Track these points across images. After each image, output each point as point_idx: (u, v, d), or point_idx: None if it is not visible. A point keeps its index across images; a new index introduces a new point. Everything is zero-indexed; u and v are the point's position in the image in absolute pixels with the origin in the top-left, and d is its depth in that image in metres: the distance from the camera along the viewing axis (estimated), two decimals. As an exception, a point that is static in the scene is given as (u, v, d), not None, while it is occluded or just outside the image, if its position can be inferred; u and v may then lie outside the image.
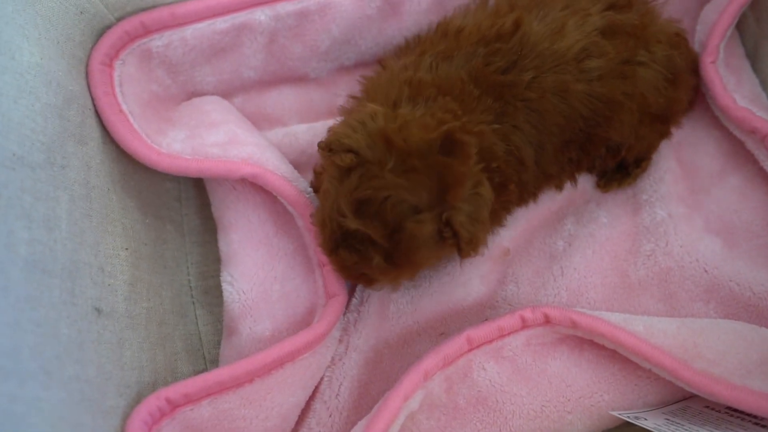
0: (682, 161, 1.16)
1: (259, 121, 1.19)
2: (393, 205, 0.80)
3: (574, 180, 1.12)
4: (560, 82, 0.95)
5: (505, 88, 0.94)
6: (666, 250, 1.09)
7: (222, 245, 1.06)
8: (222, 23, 1.09)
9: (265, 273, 1.03)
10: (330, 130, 0.90)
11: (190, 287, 1.11)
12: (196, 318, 1.10)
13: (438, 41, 1.00)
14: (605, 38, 0.97)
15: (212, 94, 1.18)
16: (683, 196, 1.13)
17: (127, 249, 0.97)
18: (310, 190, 1.04)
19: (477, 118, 0.91)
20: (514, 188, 0.97)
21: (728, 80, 1.13)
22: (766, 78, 1.16)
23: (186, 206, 1.17)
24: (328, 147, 0.87)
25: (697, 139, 1.17)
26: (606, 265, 1.09)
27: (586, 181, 1.16)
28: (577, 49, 0.95)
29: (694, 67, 1.13)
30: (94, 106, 1.00)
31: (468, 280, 1.08)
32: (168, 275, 1.07)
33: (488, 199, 0.86)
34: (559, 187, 1.12)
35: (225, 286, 1.03)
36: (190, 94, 1.17)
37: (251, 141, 1.04)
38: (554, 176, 1.06)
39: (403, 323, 1.05)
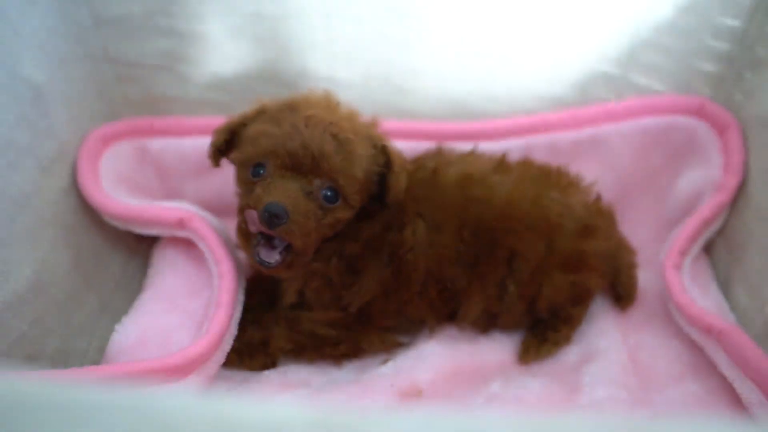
0: (637, 362, 1.10)
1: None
2: None
3: (482, 326, 1.12)
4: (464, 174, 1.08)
5: None
6: None
7: (134, 303, 1.09)
8: (219, 142, 1.27)
9: (153, 321, 1.02)
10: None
11: (86, 356, 1.08)
12: (73, 384, 1.04)
13: None
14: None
15: (193, 209, 1.30)
16: (631, 388, 1.04)
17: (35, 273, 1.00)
18: (237, 254, 1.10)
19: None
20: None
21: (692, 289, 1.12)
22: (737, 305, 1.13)
23: (122, 292, 1.21)
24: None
25: (656, 345, 1.12)
26: (526, 431, 0.97)
27: (516, 354, 1.12)
28: (484, 170, 1.10)
29: (611, 248, 1.16)
30: (75, 161, 1.15)
31: (366, 407, 0.99)
32: (66, 330, 1.07)
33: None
34: (465, 316, 1.10)
35: (114, 333, 1.03)
36: (172, 202, 1.30)
37: (199, 211, 1.14)
38: (453, 282, 1.06)
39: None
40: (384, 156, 0.99)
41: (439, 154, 1.15)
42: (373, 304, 1.06)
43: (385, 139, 1.02)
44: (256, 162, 0.95)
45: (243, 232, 0.95)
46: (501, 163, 1.13)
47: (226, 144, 1.01)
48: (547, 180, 1.11)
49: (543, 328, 1.12)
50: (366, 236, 1.03)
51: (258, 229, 0.91)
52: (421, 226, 1.04)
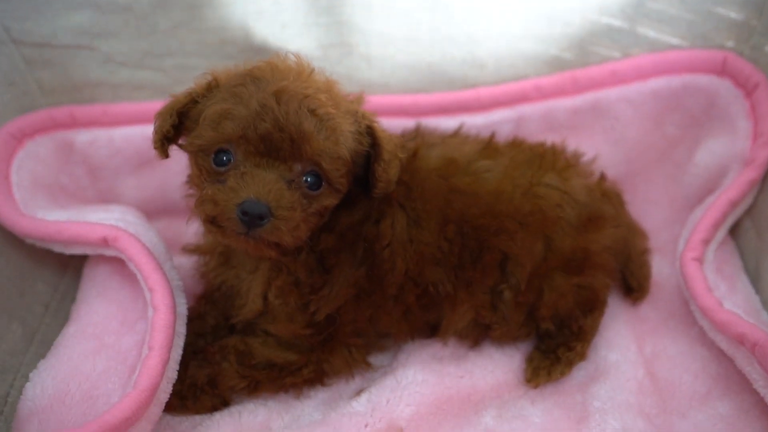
0: (655, 376, 0.95)
1: (173, 248, 1.09)
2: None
3: (471, 339, 0.98)
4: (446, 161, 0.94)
5: None
6: (613, 471, 0.82)
7: (55, 339, 0.94)
8: (153, 130, 1.09)
9: (75, 368, 0.86)
10: None
11: (6, 401, 0.93)
12: (-7, 437, 0.89)
13: None
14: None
15: (133, 211, 1.13)
16: (649, 414, 0.90)
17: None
18: (176, 276, 0.94)
19: None
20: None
21: (717, 285, 0.97)
22: (770, 298, 0.98)
23: (53, 317, 1.04)
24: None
25: (678, 353, 0.97)
26: (527, 475, 0.82)
27: (514, 372, 0.97)
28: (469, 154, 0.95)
29: (620, 238, 1.00)
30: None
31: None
32: (-19, 373, 0.90)
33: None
34: (449, 327, 0.95)
35: (27, 383, 0.87)
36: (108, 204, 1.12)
37: (133, 221, 0.97)
38: (435, 287, 0.91)
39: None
40: (369, 137, 0.85)
41: (418, 134, 0.99)
42: (342, 312, 0.91)
43: (373, 118, 0.86)
44: (219, 148, 0.79)
45: (213, 224, 0.80)
46: (488, 145, 0.97)
47: (174, 129, 0.84)
48: (541, 163, 0.96)
49: (553, 345, 0.97)
50: (342, 227, 0.88)
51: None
52: (401, 219, 0.90)
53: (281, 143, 0.78)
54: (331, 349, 0.92)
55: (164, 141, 0.84)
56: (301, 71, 0.83)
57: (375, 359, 0.98)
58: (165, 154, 0.86)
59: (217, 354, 0.91)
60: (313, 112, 0.78)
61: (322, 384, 0.95)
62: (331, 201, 0.84)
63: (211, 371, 0.90)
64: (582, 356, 0.97)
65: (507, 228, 0.90)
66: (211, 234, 0.84)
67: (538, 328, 0.98)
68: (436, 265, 0.91)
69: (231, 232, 0.79)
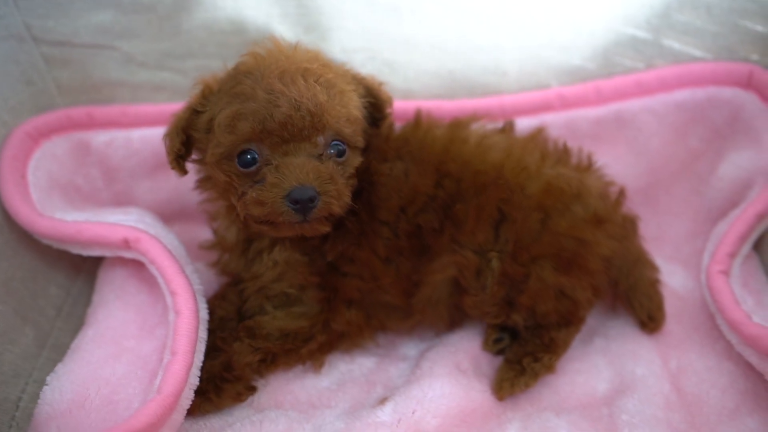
0: (682, 391, 0.93)
1: (191, 252, 1.08)
2: None
3: (451, 306, 0.96)
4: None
5: None
6: (644, 486, 0.81)
7: (73, 343, 0.92)
8: (172, 132, 1.07)
9: (95, 373, 0.85)
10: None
11: (18, 406, 0.90)
12: (5, 445, 0.87)
13: None
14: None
15: (148, 215, 1.11)
16: (677, 429, 0.88)
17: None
18: (197, 280, 0.93)
19: None
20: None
21: (744, 299, 0.95)
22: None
23: (65, 321, 1.03)
24: None
25: (705, 368, 0.95)
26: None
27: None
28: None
29: (619, 253, 0.97)
30: (-4, 166, 0.96)
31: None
32: (-7, 377, 0.88)
33: None
34: (433, 273, 0.93)
35: (45, 387, 0.85)
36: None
37: (152, 223, 0.96)
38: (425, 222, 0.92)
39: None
40: (361, 86, 0.91)
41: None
42: (343, 261, 0.93)
43: (349, 68, 0.92)
44: (242, 149, 0.82)
45: (266, 223, 0.84)
46: (502, 130, 1.01)
47: (184, 146, 0.88)
48: (558, 156, 0.98)
49: (520, 353, 0.94)
50: (361, 167, 0.91)
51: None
52: (399, 165, 0.93)
53: (301, 121, 0.80)
54: (335, 308, 0.93)
55: (179, 159, 0.88)
56: (283, 49, 0.86)
57: (396, 369, 0.97)
58: (183, 171, 0.91)
59: (228, 338, 0.90)
60: (318, 82, 0.82)
61: (335, 348, 0.96)
62: (357, 160, 0.89)
63: (225, 357, 0.89)
64: (550, 369, 0.94)
65: (507, 179, 0.90)
66: (266, 233, 0.87)
67: (507, 318, 0.94)
68: (429, 203, 0.92)
69: (286, 226, 0.83)
